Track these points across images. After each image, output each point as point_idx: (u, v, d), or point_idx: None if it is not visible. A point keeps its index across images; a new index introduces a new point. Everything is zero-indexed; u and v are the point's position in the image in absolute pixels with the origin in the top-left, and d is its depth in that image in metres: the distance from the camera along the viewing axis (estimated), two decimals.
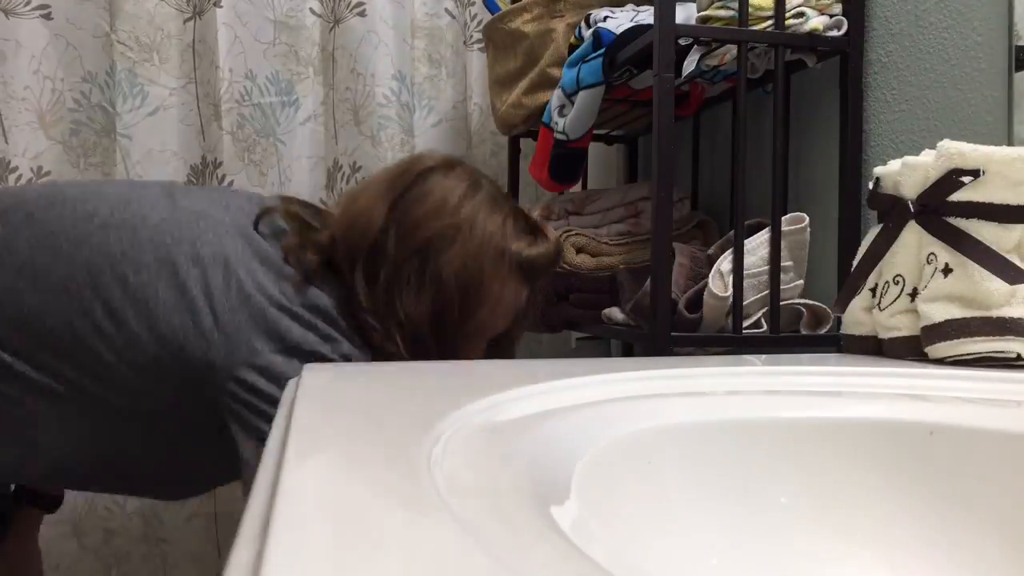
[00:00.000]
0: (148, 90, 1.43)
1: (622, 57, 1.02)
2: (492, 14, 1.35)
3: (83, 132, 1.42)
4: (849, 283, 0.73)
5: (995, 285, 0.60)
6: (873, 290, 0.70)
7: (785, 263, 0.94)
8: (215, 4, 1.42)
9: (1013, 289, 0.60)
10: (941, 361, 0.62)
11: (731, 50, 0.94)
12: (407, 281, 0.85)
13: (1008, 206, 0.61)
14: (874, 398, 0.49)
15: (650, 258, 0.94)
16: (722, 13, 0.93)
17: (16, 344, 0.78)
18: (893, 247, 0.67)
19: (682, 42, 0.93)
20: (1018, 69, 0.79)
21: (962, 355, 0.61)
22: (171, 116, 1.45)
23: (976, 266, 0.61)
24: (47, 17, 1.39)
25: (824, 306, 0.95)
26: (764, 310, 0.94)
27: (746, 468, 0.43)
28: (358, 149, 1.51)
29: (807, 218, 0.95)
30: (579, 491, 0.33)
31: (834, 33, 0.95)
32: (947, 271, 0.62)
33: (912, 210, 0.65)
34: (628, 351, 1.47)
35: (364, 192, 0.91)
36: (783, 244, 0.93)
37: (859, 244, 0.73)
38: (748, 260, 0.93)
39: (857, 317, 0.72)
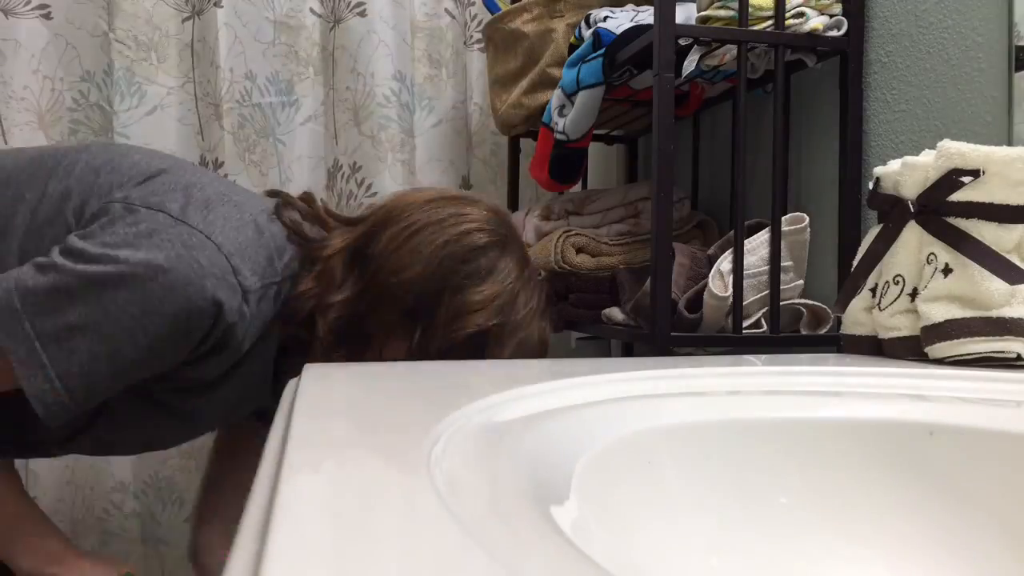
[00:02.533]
0: (146, 89, 1.43)
1: (622, 57, 1.02)
2: (492, 14, 1.35)
3: (81, 131, 1.42)
4: (849, 283, 0.73)
5: (995, 285, 0.60)
6: (873, 290, 0.70)
7: (785, 263, 0.94)
8: (215, 4, 1.42)
9: (1013, 289, 0.60)
10: (941, 361, 0.62)
11: (731, 50, 0.94)
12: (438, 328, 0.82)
13: (1008, 206, 0.61)
14: (874, 398, 0.49)
15: (650, 258, 0.94)
16: (722, 13, 0.93)
17: None
18: (893, 247, 0.67)
19: (682, 42, 0.93)
20: (1018, 69, 0.79)
21: (962, 355, 0.61)
22: (169, 115, 1.45)
23: (976, 266, 0.61)
24: (47, 17, 1.39)
25: (824, 306, 0.95)
26: (764, 310, 0.94)
27: (746, 468, 0.43)
28: (358, 149, 1.50)
29: (807, 218, 0.95)
30: (579, 491, 0.33)
31: (834, 33, 0.95)
32: (947, 271, 0.62)
33: (912, 210, 0.65)
34: (628, 351, 1.47)
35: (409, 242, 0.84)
36: (783, 244, 0.93)
37: (859, 244, 0.73)
38: (748, 260, 0.93)
39: (857, 317, 0.72)
